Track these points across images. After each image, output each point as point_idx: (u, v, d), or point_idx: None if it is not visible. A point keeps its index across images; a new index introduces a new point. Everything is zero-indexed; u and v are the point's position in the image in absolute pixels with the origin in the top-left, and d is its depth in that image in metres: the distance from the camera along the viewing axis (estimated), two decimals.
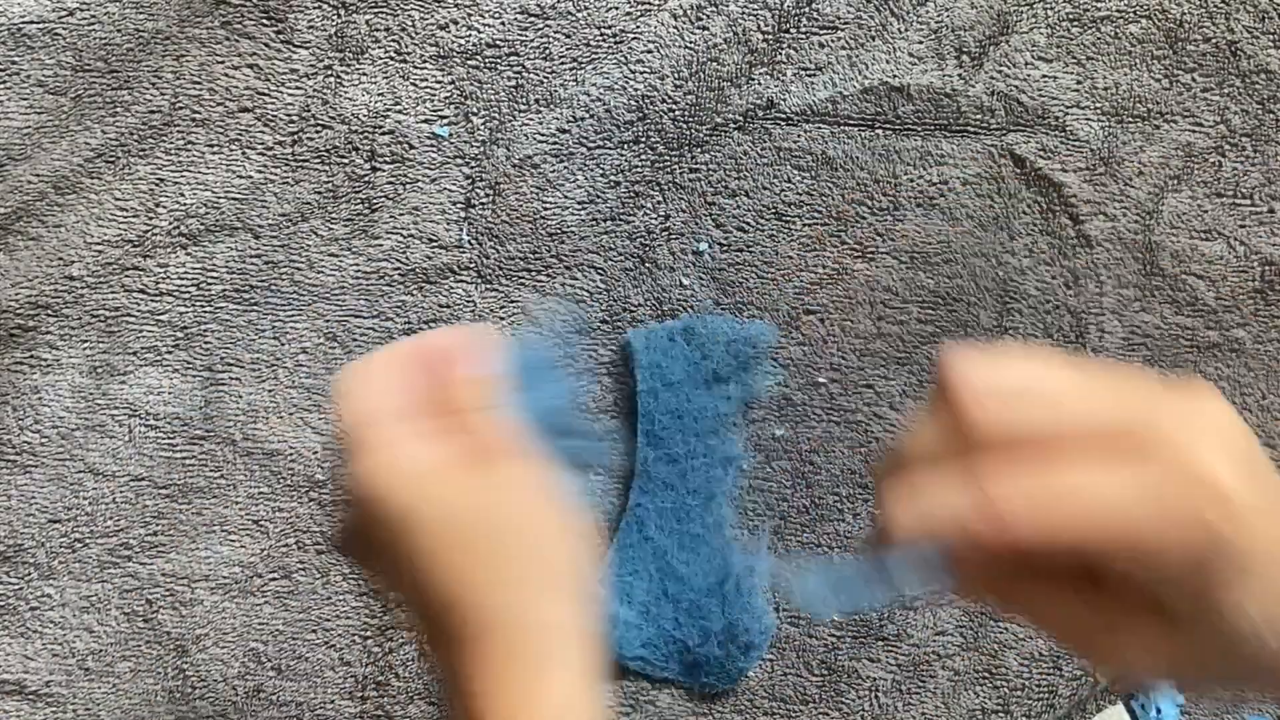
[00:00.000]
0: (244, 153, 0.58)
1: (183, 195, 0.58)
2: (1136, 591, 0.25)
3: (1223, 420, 0.24)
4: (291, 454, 0.59)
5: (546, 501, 0.29)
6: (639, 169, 0.59)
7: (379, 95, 0.58)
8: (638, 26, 0.59)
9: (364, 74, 0.58)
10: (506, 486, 0.29)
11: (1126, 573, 0.25)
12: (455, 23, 0.58)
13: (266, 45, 0.58)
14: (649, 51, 0.59)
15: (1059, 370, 0.26)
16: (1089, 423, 0.25)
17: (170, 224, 0.58)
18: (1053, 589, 0.27)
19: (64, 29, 0.57)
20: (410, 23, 0.58)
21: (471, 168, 0.59)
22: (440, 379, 0.30)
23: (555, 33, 0.59)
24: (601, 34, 0.59)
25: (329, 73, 0.58)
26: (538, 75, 0.59)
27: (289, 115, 0.58)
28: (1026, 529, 0.24)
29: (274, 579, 0.59)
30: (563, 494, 0.29)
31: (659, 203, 0.59)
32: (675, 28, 0.59)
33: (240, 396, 0.59)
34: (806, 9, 0.59)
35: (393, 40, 0.58)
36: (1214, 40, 0.60)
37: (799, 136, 0.59)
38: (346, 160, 0.59)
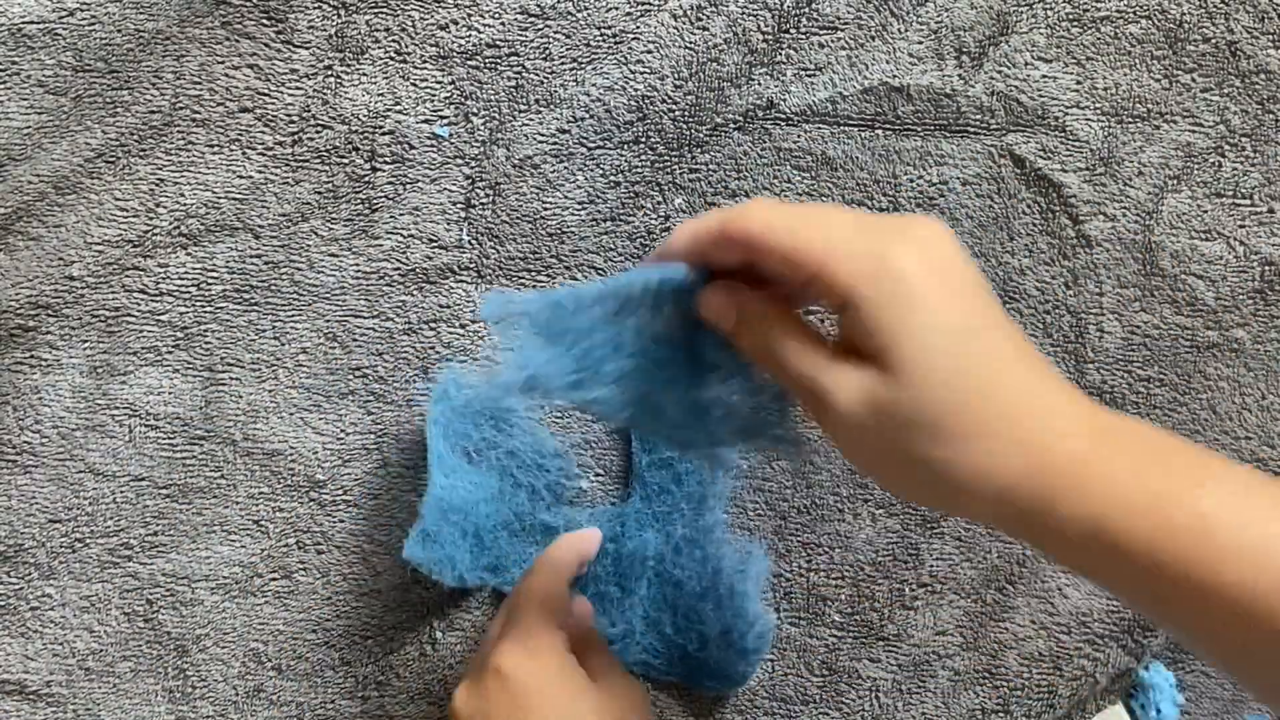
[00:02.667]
0: (244, 153, 0.58)
1: (183, 195, 0.58)
2: (849, 335, 0.33)
3: (934, 238, 0.33)
4: (291, 454, 0.59)
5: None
6: (639, 169, 0.59)
7: (379, 95, 0.58)
8: (638, 26, 0.59)
9: (364, 74, 0.58)
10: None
11: (832, 305, 0.33)
12: (455, 23, 0.59)
13: (266, 45, 0.58)
14: (649, 51, 0.59)
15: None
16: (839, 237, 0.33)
17: (170, 224, 0.58)
18: (778, 321, 0.35)
19: (64, 29, 0.57)
20: (410, 23, 0.58)
21: (471, 168, 0.59)
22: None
23: (555, 33, 0.59)
24: (601, 34, 0.59)
25: (329, 73, 0.58)
26: (538, 75, 0.59)
27: (289, 115, 0.58)
28: (759, 225, 0.33)
29: (274, 579, 0.59)
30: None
31: (659, 203, 0.60)
32: (675, 28, 0.59)
33: (240, 396, 0.59)
34: (806, 9, 0.59)
35: (393, 40, 0.58)
36: (1214, 40, 0.60)
37: (799, 136, 0.60)
38: (346, 160, 0.59)
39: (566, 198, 0.59)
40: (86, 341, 0.58)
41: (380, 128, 0.59)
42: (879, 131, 0.60)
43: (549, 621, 0.46)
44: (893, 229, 0.32)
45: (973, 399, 0.31)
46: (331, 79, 0.58)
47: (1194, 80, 0.60)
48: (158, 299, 0.58)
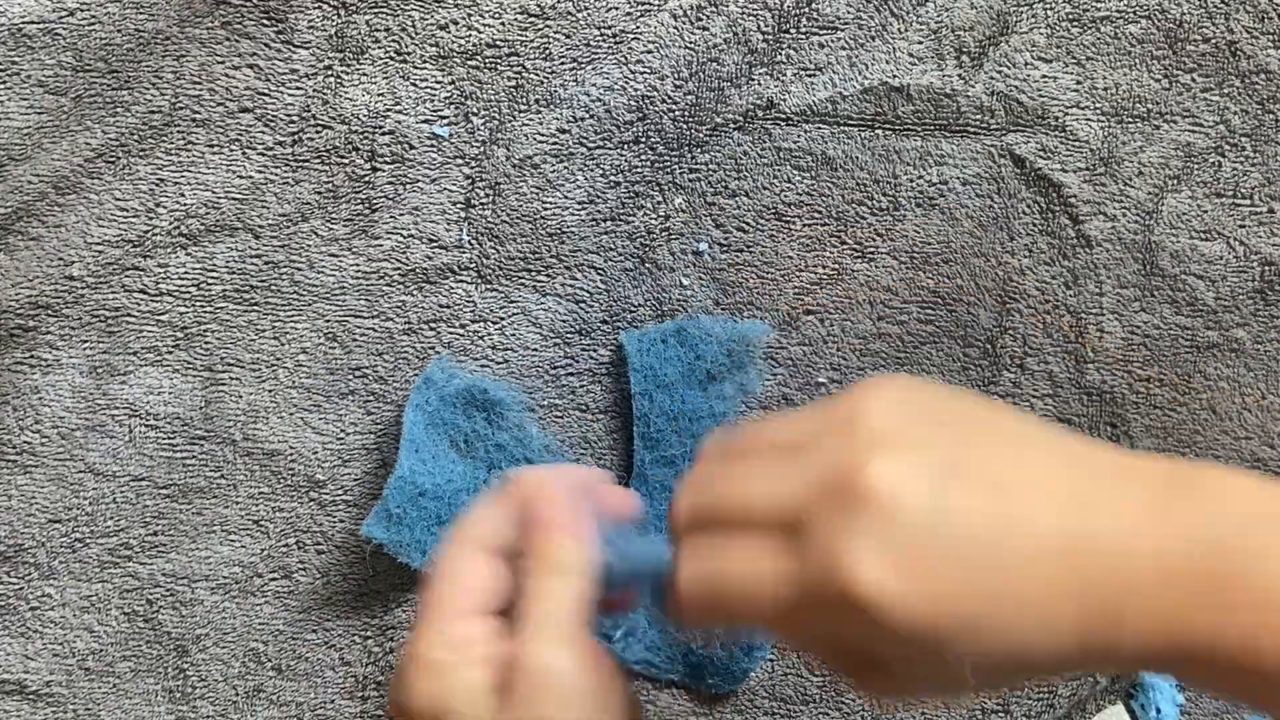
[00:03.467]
0: (244, 153, 0.58)
1: (183, 195, 0.58)
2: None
3: (886, 498, 0.24)
4: (291, 454, 0.59)
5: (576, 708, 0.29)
6: (639, 169, 0.59)
7: (379, 95, 0.58)
8: (638, 26, 0.59)
9: (364, 74, 0.58)
10: (531, 710, 0.29)
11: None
12: (455, 23, 0.58)
13: (266, 45, 0.58)
14: (649, 51, 0.59)
15: (753, 446, 0.28)
16: (765, 497, 0.26)
17: (170, 224, 0.58)
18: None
19: (64, 29, 0.57)
20: (410, 23, 0.58)
21: (471, 168, 0.59)
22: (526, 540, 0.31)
23: (555, 33, 0.59)
24: (601, 34, 0.59)
25: (329, 73, 0.58)
26: (538, 75, 0.59)
27: (289, 115, 0.58)
28: (697, 613, 0.27)
29: (274, 579, 0.59)
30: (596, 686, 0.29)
31: (659, 203, 0.59)
32: (675, 28, 0.59)
33: (240, 396, 0.59)
34: (806, 9, 0.59)
35: (393, 40, 0.58)
36: (1214, 40, 0.60)
37: (799, 136, 0.59)
38: (346, 160, 0.59)
39: (566, 198, 0.59)
40: (86, 341, 0.58)
41: (380, 128, 0.59)
42: (879, 131, 0.60)
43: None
44: (829, 541, 0.25)
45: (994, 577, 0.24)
46: (331, 79, 0.58)
47: (1194, 80, 0.60)
48: (158, 299, 0.58)
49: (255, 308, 0.59)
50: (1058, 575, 0.24)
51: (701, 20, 0.59)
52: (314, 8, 0.58)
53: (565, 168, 0.59)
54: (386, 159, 0.59)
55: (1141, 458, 0.26)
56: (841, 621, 0.25)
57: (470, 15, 0.59)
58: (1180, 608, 0.23)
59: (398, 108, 0.59)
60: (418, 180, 0.59)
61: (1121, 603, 0.24)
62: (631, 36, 0.59)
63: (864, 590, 0.24)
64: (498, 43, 0.59)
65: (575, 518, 0.30)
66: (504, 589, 0.30)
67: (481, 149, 0.59)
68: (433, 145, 0.59)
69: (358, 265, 0.59)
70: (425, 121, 0.59)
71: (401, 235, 0.59)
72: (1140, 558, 0.24)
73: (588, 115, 0.59)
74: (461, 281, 0.59)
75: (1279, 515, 0.24)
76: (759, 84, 0.59)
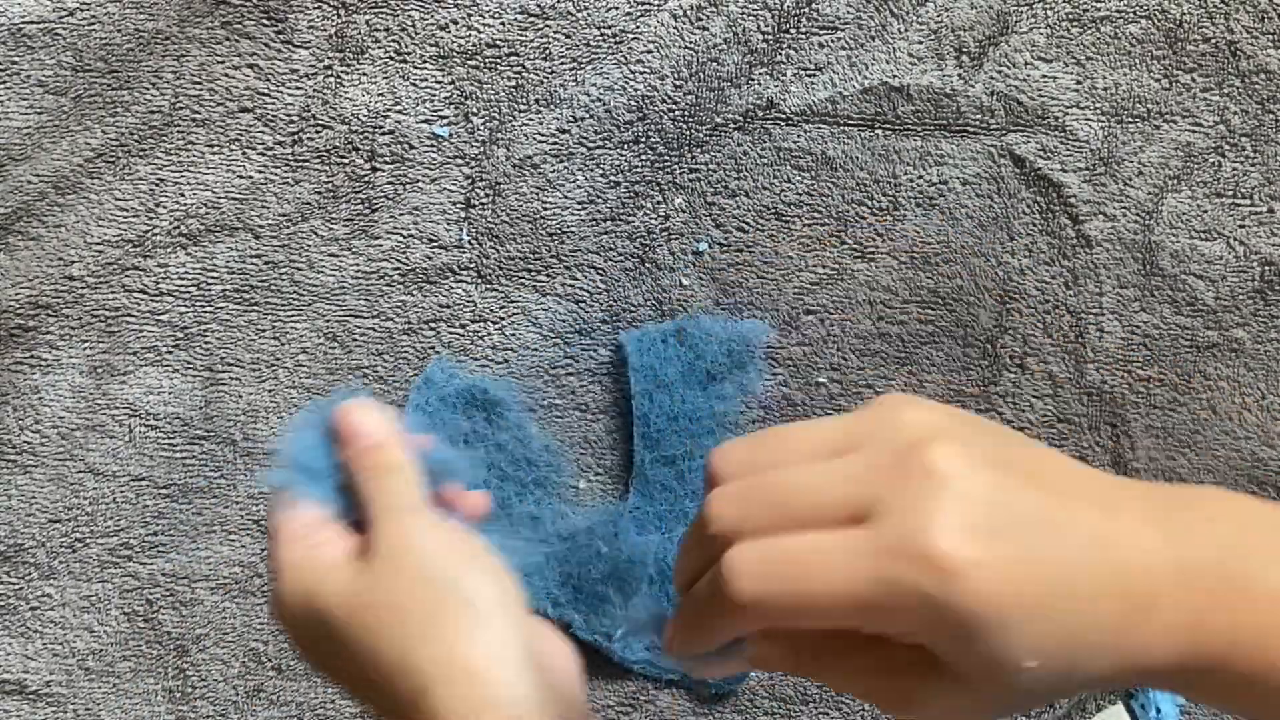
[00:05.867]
0: (244, 153, 0.58)
1: (183, 195, 0.58)
2: (913, 650, 0.25)
3: (953, 477, 0.25)
4: None
5: (439, 558, 0.31)
6: (639, 169, 0.59)
7: (379, 95, 0.58)
8: (638, 26, 0.59)
9: (364, 74, 0.58)
10: (393, 562, 0.30)
11: (883, 634, 0.25)
12: (455, 23, 0.58)
13: (266, 45, 0.58)
14: (649, 51, 0.59)
15: (800, 440, 0.27)
16: (827, 490, 0.26)
17: (170, 224, 0.58)
18: (842, 654, 0.27)
19: (64, 29, 0.57)
20: (410, 23, 0.58)
21: (471, 168, 0.59)
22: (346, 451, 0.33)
23: (555, 33, 0.59)
24: (601, 34, 0.59)
25: (329, 73, 0.58)
26: (538, 75, 0.59)
27: (289, 115, 0.58)
28: (752, 592, 0.25)
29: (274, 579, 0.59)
30: (453, 545, 0.31)
31: (659, 203, 0.59)
32: (675, 28, 0.59)
33: (240, 396, 0.59)
34: (806, 9, 0.59)
35: (393, 40, 0.58)
36: (1214, 40, 0.60)
37: (799, 136, 0.59)
38: (346, 160, 0.59)
39: (566, 198, 0.59)
40: (86, 341, 0.58)
41: (380, 128, 0.59)
42: (879, 131, 0.60)
43: None
44: (909, 499, 0.25)
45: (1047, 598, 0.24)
46: (331, 79, 0.58)
47: (1194, 80, 0.60)
48: (158, 299, 0.58)
49: (255, 308, 0.59)
50: (1100, 573, 0.25)
51: (701, 20, 0.59)
52: (314, 8, 0.58)
53: (565, 168, 0.59)
54: (386, 159, 0.59)
55: (1140, 482, 0.27)
56: (912, 597, 0.24)
57: (470, 15, 0.59)
58: (1199, 612, 0.24)
59: (398, 108, 0.59)
60: (418, 180, 0.59)
61: (1150, 605, 0.24)
62: (631, 36, 0.59)
63: (944, 550, 0.24)
64: (498, 43, 0.59)
65: (389, 428, 0.33)
66: (340, 510, 0.33)
67: (481, 149, 0.59)
68: (433, 145, 0.59)
69: (358, 265, 0.59)
70: (425, 121, 0.59)
71: (401, 235, 0.59)
72: (1164, 564, 0.25)
73: (588, 115, 0.59)
74: (461, 281, 0.59)
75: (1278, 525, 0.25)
76: (759, 84, 0.59)
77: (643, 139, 0.59)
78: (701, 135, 0.59)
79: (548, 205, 0.59)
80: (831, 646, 0.27)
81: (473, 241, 0.59)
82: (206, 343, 0.58)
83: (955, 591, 0.24)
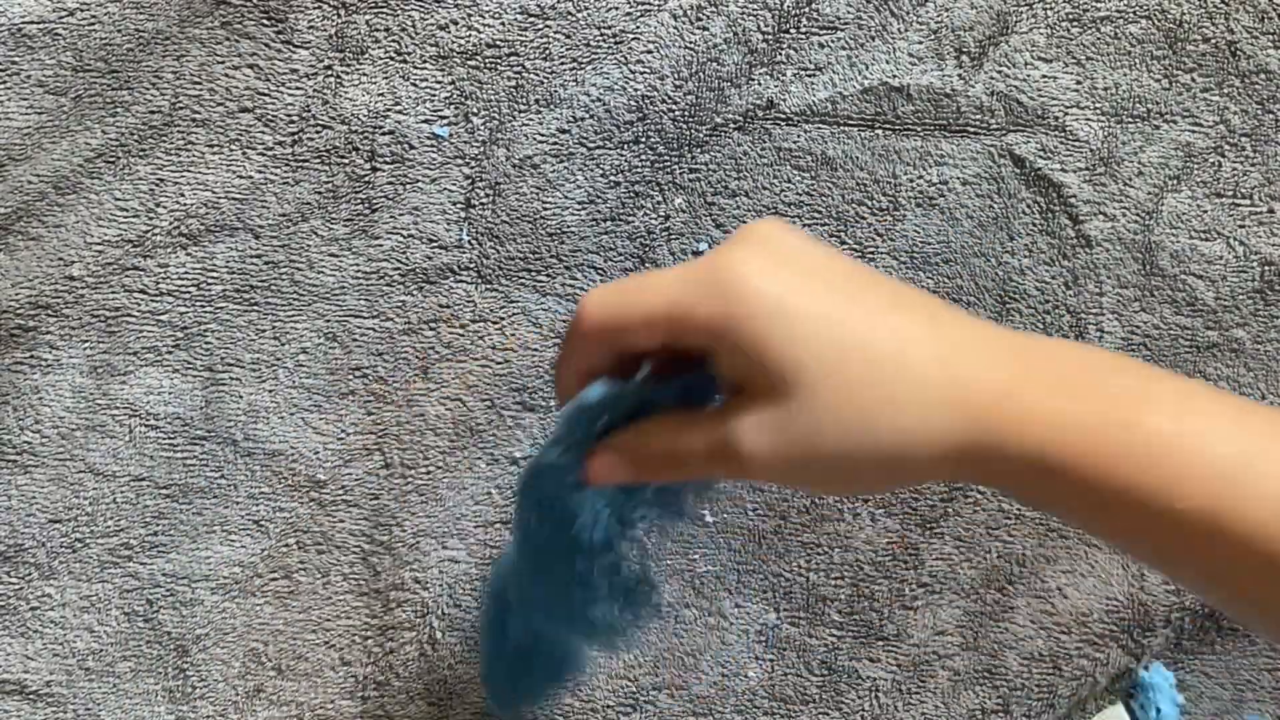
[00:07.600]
0: (244, 153, 0.58)
1: (183, 195, 0.58)
2: (727, 376, 0.31)
3: (767, 235, 0.31)
4: (292, 454, 0.59)
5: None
6: (639, 169, 0.59)
7: (379, 95, 0.58)
8: (638, 26, 0.59)
9: (364, 74, 0.58)
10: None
11: (704, 351, 0.31)
12: (455, 23, 0.59)
13: (266, 45, 0.58)
14: (649, 51, 0.59)
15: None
16: (668, 275, 0.32)
17: (170, 224, 0.58)
18: (670, 444, 0.33)
19: (64, 29, 0.57)
20: (410, 23, 0.58)
21: (471, 168, 0.59)
22: None
23: (555, 33, 0.59)
24: (601, 34, 0.59)
25: (329, 73, 0.58)
26: (538, 75, 0.59)
27: (289, 115, 0.58)
28: (598, 316, 0.33)
29: (274, 579, 0.59)
30: None
31: (659, 203, 0.60)
32: (675, 28, 0.59)
33: (240, 396, 0.59)
34: (806, 9, 0.59)
35: (393, 40, 0.58)
36: (1214, 40, 0.60)
37: (799, 136, 0.60)
38: (346, 160, 0.59)
39: (566, 198, 0.59)
40: (86, 341, 0.58)
41: (380, 128, 0.59)
42: (879, 131, 0.60)
43: None
44: (722, 250, 0.31)
45: (871, 373, 0.29)
46: (331, 79, 0.58)
47: (1194, 80, 0.60)
48: (158, 299, 0.58)
49: (255, 308, 0.59)
50: (869, 317, 0.31)
51: (701, 20, 0.59)
52: (314, 8, 0.58)
53: (565, 168, 0.59)
54: (386, 159, 0.59)
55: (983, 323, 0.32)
56: (703, 305, 0.31)
57: (470, 15, 0.59)
58: (970, 406, 0.30)
59: (398, 108, 0.59)
60: (418, 180, 0.59)
61: (923, 382, 0.30)
62: (631, 36, 0.59)
63: (729, 263, 0.31)
64: (498, 43, 0.59)
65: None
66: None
67: (481, 149, 0.59)
68: (433, 145, 0.59)
69: (358, 265, 0.59)
70: (425, 121, 0.59)
71: (401, 235, 0.59)
72: (933, 359, 0.30)
73: (588, 115, 0.59)
74: (461, 281, 0.59)
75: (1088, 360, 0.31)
76: (759, 84, 0.59)
77: (643, 139, 0.59)
78: (701, 135, 0.59)
79: (548, 205, 0.59)
80: (651, 429, 0.34)
81: (473, 241, 0.59)
82: (207, 343, 0.59)
83: (734, 298, 0.30)
